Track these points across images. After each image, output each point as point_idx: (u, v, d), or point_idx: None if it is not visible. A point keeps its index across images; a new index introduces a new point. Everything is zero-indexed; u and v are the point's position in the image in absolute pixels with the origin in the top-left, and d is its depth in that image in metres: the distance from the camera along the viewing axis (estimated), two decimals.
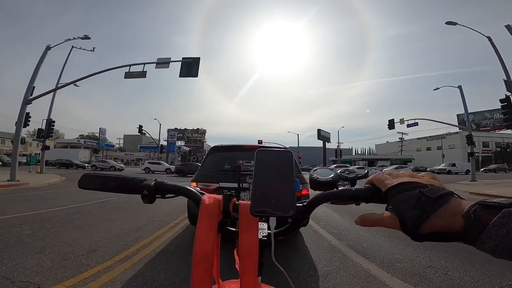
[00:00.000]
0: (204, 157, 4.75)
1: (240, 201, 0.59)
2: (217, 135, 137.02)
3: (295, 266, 3.22)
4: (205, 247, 0.52)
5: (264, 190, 0.51)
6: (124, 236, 4.34)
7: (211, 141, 75.22)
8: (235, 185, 3.56)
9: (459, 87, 23.79)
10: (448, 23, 18.69)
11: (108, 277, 2.78)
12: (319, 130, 49.96)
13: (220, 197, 0.58)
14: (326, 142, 51.73)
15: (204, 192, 0.63)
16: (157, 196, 0.65)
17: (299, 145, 55.02)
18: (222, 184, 3.78)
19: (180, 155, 58.67)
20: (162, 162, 37.41)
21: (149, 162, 35.60)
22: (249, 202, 0.52)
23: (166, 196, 0.67)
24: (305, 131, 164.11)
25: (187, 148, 61.00)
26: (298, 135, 63.82)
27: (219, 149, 4.70)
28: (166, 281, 2.74)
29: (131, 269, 3.01)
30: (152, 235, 4.47)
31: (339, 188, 0.62)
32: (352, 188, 0.61)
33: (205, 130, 74.85)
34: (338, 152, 50.48)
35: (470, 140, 21.95)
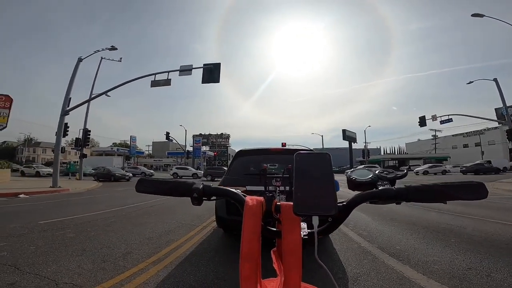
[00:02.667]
0: (230, 161, 4.84)
1: (281, 202, 0.61)
2: (241, 139, 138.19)
3: (319, 271, 3.15)
4: (250, 246, 0.54)
5: (305, 191, 0.54)
6: (156, 239, 4.52)
7: (235, 146, 76.08)
8: (262, 188, 3.59)
9: (495, 79, 22.18)
10: (475, 15, 17.56)
11: (142, 278, 2.91)
12: (344, 130, 48.84)
13: (262, 198, 0.60)
14: (352, 143, 50.36)
15: (246, 195, 0.65)
16: (204, 198, 0.68)
17: (324, 146, 53.96)
18: (248, 188, 3.82)
19: (206, 160, 59.89)
20: (189, 167, 38.42)
21: (176, 168, 36.70)
22: (291, 203, 0.55)
23: (212, 198, 0.69)
24: (329, 132, 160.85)
25: (212, 153, 62.22)
26: (322, 136, 62.59)
27: (245, 153, 4.75)
28: (196, 283, 2.81)
29: (163, 271, 3.13)
30: (182, 238, 4.61)
31: (380, 188, 0.64)
32: (393, 187, 0.62)
33: (228, 134, 75.88)
34: (365, 152, 48.87)
35: (511, 135, 20.29)
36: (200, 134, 70.84)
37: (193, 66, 16.93)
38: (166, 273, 3.06)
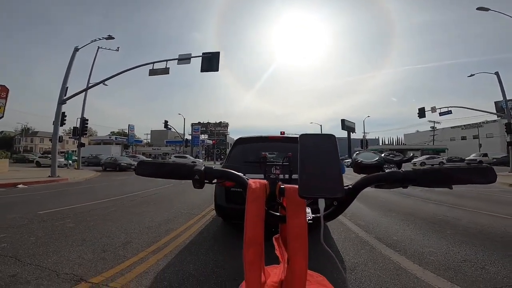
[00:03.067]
0: (229, 149, 4.80)
1: (286, 185, 0.58)
2: (240, 128, 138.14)
3: (321, 258, 3.19)
4: (254, 231, 0.52)
5: (310, 173, 0.51)
6: (155, 228, 4.55)
7: (233, 134, 76.07)
8: (261, 176, 3.57)
9: (496, 73, 22.08)
10: (480, 8, 17.30)
11: (142, 267, 2.94)
12: (343, 120, 48.75)
13: (265, 182, 0.58)
14: (351, 133, 50.38)
15: (248, 178, 0.63)
16: (205, 181, 0.67)
17: None
18: (248, 176, 3.81)
19: (204, 148, 59.90)
20: (188, 155, 38.47)
21: (175, 156, 36.78)
22: (296, 186, 0.53)
23: (213, 181, 0.68)
24: (328, 122, 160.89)
25: (210, 142, 62.12)
26: (321, 125, 62.43)
27: (244, 141, 4.71)
28: (196, 272, 2.84)
29: (162, 260, 3.16)
30: (181, 227, 4.65)
31: (386, 171, 0.62)
32: (400, 170, 0.60)
33: (227, 123, 75.71)
34: (364, 142, 48.96)
35: (509, 128, 20.37)
36: (199, 122, 70.68)
37: (192, 55, 16.73)
38: (166, 262, 3.09)
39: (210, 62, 16.35)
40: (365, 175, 0.62)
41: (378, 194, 8.31)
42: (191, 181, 0.66)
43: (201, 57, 16.48)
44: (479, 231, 4.39)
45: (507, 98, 21.86)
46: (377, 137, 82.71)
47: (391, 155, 0.71)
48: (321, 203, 0.52)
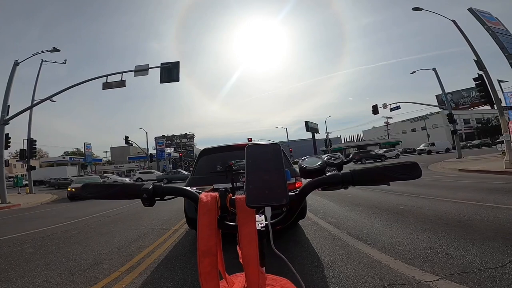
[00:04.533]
0: (195, 161, 4.74)
1: (236, 196, 0.61)
2: (207, 137, 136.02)
3: (299, 259, 3.26)
4: (207, 242, 0.55)
5: (257, 182, 0.55)
6: (126, 247, 4.33)
7: (200, 145, 74.60)
8: (229, 185, 3.60)
9: (434, 69, 24.54)
10: (415, 9, 19.03)
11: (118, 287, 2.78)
12: (306, 122, 50.24)
13: (216, 194, 0.60)
14: (315, 133, 52.17)
15: (201, 191, 0.65)
16: (156, 198, 0.66)
17: (289, 139, 55.23)
18: (216, 186, 3.80)
19: (171, 161, 57.96)
20: (154, 170, 36.90)
21: (140, 172, 35.10)
22: (245, 196, 0.55)
23: (165, 198, 0.68)
24: (293, 125, 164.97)
25: (177, 154, 60.31)
26: (286, 129, 64.54)
27: (209, 151, 4.68)
28: (175, 287, 2.77)
29: (138, 278, 3.02)
30: (154, 243, 4.47)
31: (327, 174, 0.66)
32: (339, 173, 0.64)
33: (193, 134, 74.03)
34: (327, 141, 51.06)
35: (451, 119, 22.60)
36: (163, 135, 68.20)
37: (150, 66, 16.23)
38: (142, 280, 2.96)
39: (170, 72, 16.04)
40: (310, 179, 0.67)
41: (347, 191, 8.66)
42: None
43: (160, 68, 16.09)
44: (438, 218, 4.66)
45: (446, 91, 24.34)
46: (339, 136, 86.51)
47: (332, 158, 0.77)
48: (268, 211, 0.54)
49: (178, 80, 16.21)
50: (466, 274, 2.51)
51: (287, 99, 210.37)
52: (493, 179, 9.31)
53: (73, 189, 14.58)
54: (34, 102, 18.62)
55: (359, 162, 30.38)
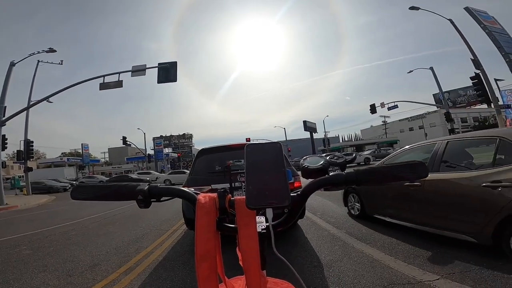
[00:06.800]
0: (193, 161, 4.71)
1: (236, 197, 0.58)
2: (205, 138, 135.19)
3: (299, 259, 3.25)
4: (206, 245, 0.53)
5: (257, 183, 0.52)
6: (124, 248, 4.29)
7: (199, 145, 74.30)
8: (227, 185, 3.57)
9: (431, 68, 24.70)
10: (412, 8, 19.12)
11: None
12: (304, 122, 50.30)
13: (215, 195, 0.57)
14: (313, 133, 52.25)
15: (199, 192, 0.62)
16: (152, 200, 0.64)
17: (287, 139, 55.36)
18: (214, 186, 3.78)
19: (169, 162, 57.85)
20: (152, 171, 36.77)
21: (138, 173, 34.86)
22: (244, 197, 0.53)
23: (162, 199, 0.65)
24: (291, 124, 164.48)
25: (175, 155, 60.18)
26: (284, 129, 64.47)
27: (207, 151, 4.66)
28: None
29: (136, 279, 2.99)
30: (152, 244, 4.43)
31: (330, 174, 0.64)
32: (343, 172, 0.62)
33: (191, 134, 73.90)
34: (325, 141, 51.15)
35: (448, 117, 22.74)
36: (161, 136, 68.05)
37: (147, 66, 16.16)
38: (141, 281, 2.93)
39: (168, 72, 15.96)
40: (312, 179, 0.64)
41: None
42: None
43: (157, 68, 16.01)
44: None
45: (443, 90, 24.46)
46: (337, 135, 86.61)
47: (334, 158, 0.75)
48: (269, 213, 0.52)
49: (175, 80, 16.14)
50: (467, 273, 2.50)
51: (285, 98, 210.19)
52: None
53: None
54: (31, 103, 18.49)
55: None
